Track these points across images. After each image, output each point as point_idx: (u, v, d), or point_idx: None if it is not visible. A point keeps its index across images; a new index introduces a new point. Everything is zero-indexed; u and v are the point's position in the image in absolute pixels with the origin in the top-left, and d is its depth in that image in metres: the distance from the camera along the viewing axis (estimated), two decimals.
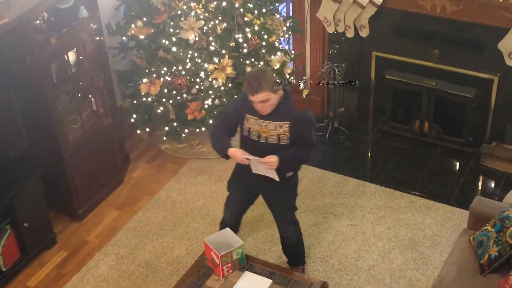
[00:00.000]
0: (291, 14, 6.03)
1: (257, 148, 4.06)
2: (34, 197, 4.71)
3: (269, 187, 4.20)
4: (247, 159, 4.02)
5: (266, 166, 4.01)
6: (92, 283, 4.66)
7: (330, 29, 5.69)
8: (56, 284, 4.66)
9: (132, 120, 5.64)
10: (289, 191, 4.31)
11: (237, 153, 4.06)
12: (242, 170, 4.22)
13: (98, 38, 5.09)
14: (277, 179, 4.08)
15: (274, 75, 4.22)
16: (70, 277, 4.72)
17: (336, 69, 5.78)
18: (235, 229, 4.54)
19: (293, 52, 5.91)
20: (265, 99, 3.90)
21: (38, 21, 4.60)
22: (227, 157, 4.13)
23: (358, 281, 4.59)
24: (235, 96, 5.23)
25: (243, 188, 4.35)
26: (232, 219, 4.52)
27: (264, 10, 5.33)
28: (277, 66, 5.49)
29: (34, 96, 4.71)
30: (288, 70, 5.66)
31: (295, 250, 4.58)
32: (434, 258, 4.71)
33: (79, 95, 5.16)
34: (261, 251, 4.83)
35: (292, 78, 5.73)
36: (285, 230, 4.47)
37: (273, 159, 3.98)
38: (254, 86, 3.88)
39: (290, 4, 6.00)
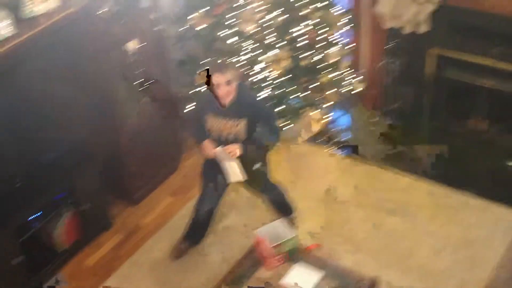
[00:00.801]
0: (349, 8, 6.01)
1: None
2: (93, 180, 4.87)
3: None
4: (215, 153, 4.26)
5: (230, 156, 4.22)
6: (146, 266, 4.78)
7: (388, 25, 5.65)
8: (111, 266, 4.80)
9: (188, 109, 5.71)
10: (260, 176, 4.52)
11: (208, 145, 4.29)
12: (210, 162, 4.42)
13: (157, 27, 5.18)
14: (242, 179, 4.33)
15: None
16: (125, 260, 4.85)
17: (392, 65, 5.74)
18: (205, 226, 4.78)
19: (349, 46, 5.89)
20: (230, 80, 4.12)
21: (101, 11, 4.71)
22: None
23: (407, 278, 4.58)
24: (287, 89, 5.30)
25: (215, 170, 4.47)
26: (205, 210, 4.68)
27: (322, 4, 5.33)
28: (334, 59, 5.49)
29: (95, 84, 4.83)
30: (344, 64, 5.66)
31: (281, 204, 4.82)
32: (486, 259, 4.66)
33: (137, 83, 5.26)
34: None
35: (347, 72, 5.72)
36: (267, 193, 4.70)
37: (233, 147, 4.21)
38: (222, 65, 4.29)
39: None
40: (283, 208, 4.85)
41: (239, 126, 4.25)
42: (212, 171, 4.46)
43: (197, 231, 4.82)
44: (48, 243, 4.77)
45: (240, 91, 4.23)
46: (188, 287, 4.63)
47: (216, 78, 4.11)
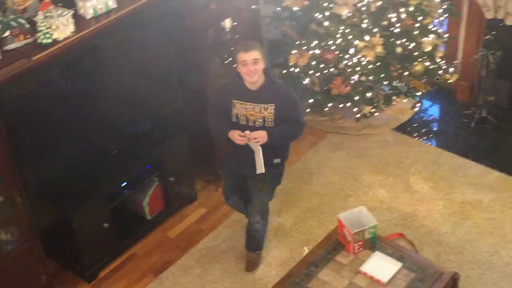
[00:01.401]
0: None
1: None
2: (181, 154, 4.99)
3: (255, 174, 4.26)
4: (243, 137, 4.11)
5: (254, 141, 4.10)
6: (226, 241, 4.88)
7: (489, 15, 5.49)
8: (193, 238, 4.92)
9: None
10: (273, 179, 4.40)
11: (234, 134, 4.14)
12: (229, 156, 4.38)
13: (254, 6, 5.22)
14: (262, 170, 4.18)
15: None
16: (207, 233, 4.96)
17: (490, 57, 5.58)
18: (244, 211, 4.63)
19: (446, 35, 5.77)
20: (257, 58, 4.03)
21: None
22: (228, 139, 4.23)
23: (490, 276, 4.49)
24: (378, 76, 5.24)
25: (233, 173, 4.45)
26: (233, 200, 4.59)
27: None
28: (429, 48, 5.40)
29: (190, 59, 4.93)
30: (439, 53, 5.55)
31: (255, 236, 4.62)
32: None
33: (231, 60, 5.34)
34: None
35: (442, 61, 5.61)
36: (254, 215, 4.49)
37: (261, 133, 4.09)
38: (247, 44, 4.12)
39: None
40: (257, 242, 4.68)
41: (268, 111, 4.13)
42: (234, 161, 4.39)
43: (251, 240, 4.69)
44: (135, 211, 4.96)
45: (269, 77, 4.15)
46: (268, 263, 4.70)
47: (243, 56, 4.04)
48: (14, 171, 3.80)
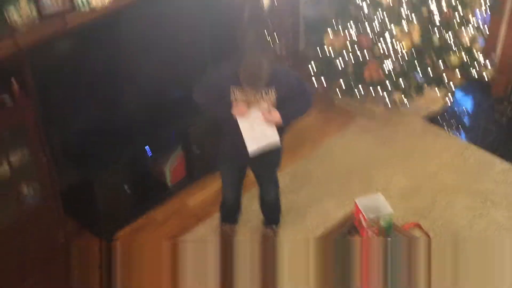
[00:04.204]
0: None
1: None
2: (207, 128, 4.97)
3: (256, 160, 4.16)
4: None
5: (265, 121, 3.98)
6: (243, 215, 4.90)
7: None
8: (212, 209, 4.96)
9: (311, 68, 5.76)
10: (276, 158, 4.32)
11: (240, 105, 3.97)
12: (227, 145, 4.27)
13: None
14: (276, 139, 4.03)
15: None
16: None
17: None
18: (237, 207, 4.70)
19: (485, 29, 5.68)
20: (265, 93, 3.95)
21: None
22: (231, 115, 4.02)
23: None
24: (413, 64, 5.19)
25: (232, 163, 4.39)
26: (233, 197, 4.60)
27: None
28: (467, 40, 5.34)
29: (225, 32, 4.95)
30: (477, 46, 5.48)
31: (274, 209, 4.69)
32: None
33: (266, 35, 5.35)
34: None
35: (479, 55, 5.55)
36: (269, 191, 4.54)
37: (276, 116, 3.97)
38: (253, 81, 3.85)
39: None
40: (273, 215, 4.73)
41: (270, 96, 4.00)
42: (230, 154, 4.30)
43: (230, 213, 4.77)
44: (157, 177, 5.05)
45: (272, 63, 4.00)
46: (282, 241, 4.76)
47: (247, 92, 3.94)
48: (41, 130, 3.90)
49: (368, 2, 5.23)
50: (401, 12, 5.18)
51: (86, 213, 4.71)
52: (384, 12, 5.20)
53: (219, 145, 4.32)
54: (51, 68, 4.00)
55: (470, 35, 5.32)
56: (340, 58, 5.51)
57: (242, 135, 4.00)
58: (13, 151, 3.83)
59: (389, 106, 5.60)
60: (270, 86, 3.97)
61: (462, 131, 5.75)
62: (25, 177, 3.96)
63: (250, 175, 4.55)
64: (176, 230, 4.85)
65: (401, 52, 5.25)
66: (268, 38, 5.38)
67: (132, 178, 4.71)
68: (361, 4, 5.26)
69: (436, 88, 5.68)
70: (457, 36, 5.30)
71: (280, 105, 4.03)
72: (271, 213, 4.75)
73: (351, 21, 5.36)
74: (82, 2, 3.85)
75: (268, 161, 4.30)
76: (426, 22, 5.24)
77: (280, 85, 4.00)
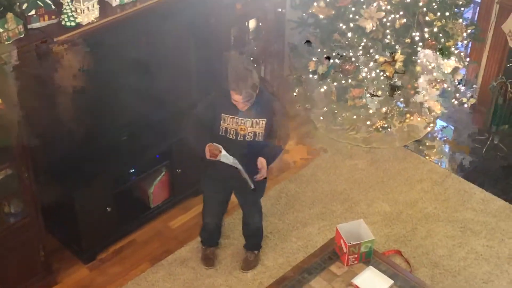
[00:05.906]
0: (475, 20, 5.89)
1: (234, 146, 4.08)
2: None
3: (242, 186, 4.18)
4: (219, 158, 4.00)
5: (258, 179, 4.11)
6: (225, 238, 4.91)
7: None
8: (194, 231, 4.94)
9: (295, 94, 5.80)
10: (261, 185, 4.34)
11: (211, 147, 4.00)
12: (213, 170, 4.24)
13: (280, 9, 5.28)
14: (252, 186, 4.12)
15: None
16: None
17: (509, 85, 5.58)
18: (218, 232, 4.73)
19: (468, 59, 5.78)
20: (249, 99, 3.95)
21: None
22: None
23: None
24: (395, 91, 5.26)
25: (217, 187, 4.40)
26: (214, 222, 4.62)
27: (447, 13, 5.26)
28: (448, 70, 5.42)
29: (210, 54, 4.98)
30: (459, 76, 5.57)
31: (256, 234, 4.71)
32: None
33: (251, 59, 5.39)
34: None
35: (461, 85, 5.63)
36: (252, 217, 4.57)
37: (265, 173, 4.10)
38: (239, 83, 3.90)
39: (477, 10, 5.86)
40: (255, 240, 4.76)
41: (260, 125, 4.06)
42: (217, 178, 4.30)
43: (211, 237, 4.77)
44: (140, 198, 5.03)
45: (260, 91, 4.04)
46: (264, 264, 4.75)
47: (234, 95, 3.95)
48: (24, 146, 3.88)
49: (353, 30, 5.29)
50: (384, 40, 5.25)
51: (67, 232, 4.68)
52: (368, 40, 5.26)
53: (205, 167, 4.31)
54: (34, 84, 3.98)
55: (452, 65, 5.40)
56: (323, 83, 5.57)
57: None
58: None
59: (372, 132, 5.66)
60: (262, 116, 4.04)
61: (442, 159, 5.81)
62: (6, 195, 3.93)
63: (234, 199, 4.55)
64: (158, 252, 4.82)
65: (384, 80, 5.32)
66: (253, 63, 5.42)
67: (114, 199, 4.68)
68: (346, 31, 5.32)
69: (418, 116, 5.76)
70: (439, 65, 5.37)
71: (268, 134, 4.10)
72: (253, 238, 4.76)
73: (336, 48, 5.41)
74: (68, 17, 3.87)
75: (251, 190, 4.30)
76: (409, 50, 5.31)
77: (271, 118, 4.07)
